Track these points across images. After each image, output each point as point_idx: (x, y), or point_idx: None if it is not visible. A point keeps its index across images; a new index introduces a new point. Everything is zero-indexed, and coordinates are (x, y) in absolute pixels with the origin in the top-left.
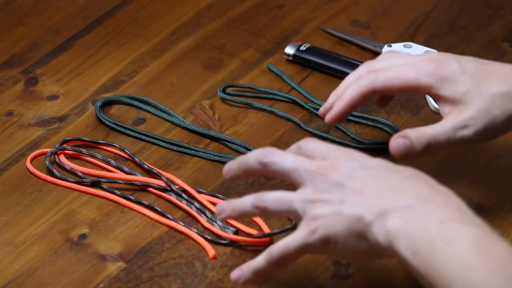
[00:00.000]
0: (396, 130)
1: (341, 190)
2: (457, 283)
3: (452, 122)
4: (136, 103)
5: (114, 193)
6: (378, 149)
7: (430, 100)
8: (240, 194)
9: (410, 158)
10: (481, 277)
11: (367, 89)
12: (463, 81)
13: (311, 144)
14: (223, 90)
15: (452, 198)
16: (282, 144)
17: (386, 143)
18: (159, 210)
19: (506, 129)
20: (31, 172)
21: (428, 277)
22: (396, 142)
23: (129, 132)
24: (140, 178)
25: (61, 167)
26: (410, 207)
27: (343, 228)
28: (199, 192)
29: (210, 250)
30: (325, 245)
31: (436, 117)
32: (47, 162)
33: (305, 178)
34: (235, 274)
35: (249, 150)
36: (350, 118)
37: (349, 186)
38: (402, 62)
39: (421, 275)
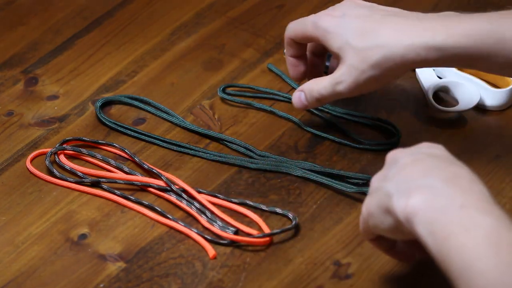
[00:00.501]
0: (396, 130)
1: (394, 167)
2: (469, 271)
3: (331, 78)
4: (136, 103)
5: (114, 193)
6: (378, 149)
7: (431, 100)
8: (240, 194)
9: (306, 108)
10: (493, 269)
11: (286, 35)
12: (341, 35)
13: None
14: (223, 90)
15: (477, 185)
16: (282, 144)
17: (386, 143)
18: (159, 210)
19: (383, 81)
20: (31, 172)
21: (442, 260)
22: (294, 96)
23: (129, 132)
24: (140, 178)
25: (61, 167)
26: (434, 188)
27: (375, 203)
28: (199, 192)
29: (210, 250)
30: (370, 217)
31: (435, 117)
32: (47, 162)
33: None
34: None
35: (249, 150)
36: (350, 118)
37: (399, 164)
38: (322, 13)
39: (436, 257)
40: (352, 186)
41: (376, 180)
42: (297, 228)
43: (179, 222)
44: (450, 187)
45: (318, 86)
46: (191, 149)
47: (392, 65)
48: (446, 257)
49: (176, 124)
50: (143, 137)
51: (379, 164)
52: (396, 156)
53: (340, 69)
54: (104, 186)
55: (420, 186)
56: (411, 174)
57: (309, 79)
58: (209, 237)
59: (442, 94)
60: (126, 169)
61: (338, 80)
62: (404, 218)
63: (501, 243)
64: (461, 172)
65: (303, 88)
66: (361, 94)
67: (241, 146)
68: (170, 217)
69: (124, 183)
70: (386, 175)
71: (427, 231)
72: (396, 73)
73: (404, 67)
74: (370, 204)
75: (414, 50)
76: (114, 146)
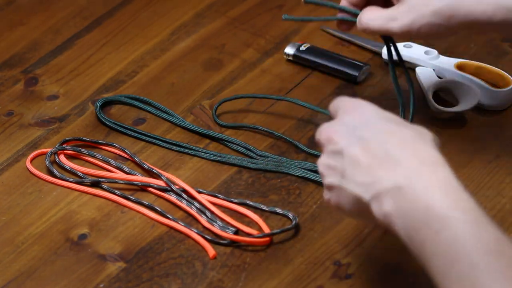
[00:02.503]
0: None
1: (341, 159)
2: (449, 275)
3: (387, 12)
4: (136, 103)
5: (114, 193)
6: None
7: (431, 100)
8: (240, 194)
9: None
10: (471, 269)
11: None
12: None
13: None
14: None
15: (440, 171)
16: (282, 144)
17: None
18: (159, 210)
19: (437, 33)
20: (31, 172)
21: (426, 265)
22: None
23: (129, 132)
24: (140, 178)
25: (61, 167)
26: (400, 189)
27: (348, 203)
28: (199, 192)
29: (210, 250)
30: (340, 210)
31: (437, 117)
32: (47, 162)
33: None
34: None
35: (249, 150)
36: None
37: (348, 156)
38: None
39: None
40: None
41: (328, 173)
42: (297, 228)
43: (179, 222)
44: (413, 182)
45: (369, 16)
46: (191, 149)
47: (454, 18)
48: (427, 262)
49: (176, 124)
50: (143, 137)
51: None
52: (333, 139)
53: (399, 6)
54: (104, 186)
55: (388, 190)
56: (368, 167)
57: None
58: (209, 237)
59: (442, 94)
60: (126, 169)
61: (394, 16)
62: (386, 223)
63: (473, 238)
64: (405, 135)
65: (360, 14)
66: (407, 39)
67: (241, 146)
68: (170, 217)
69: (124, 183)
70: (338, 169)
71: (406, 237)
72: (454, 29)
73: (465, 24)
74: (338, 201)
75: (481, 6)
76: (114, 146)
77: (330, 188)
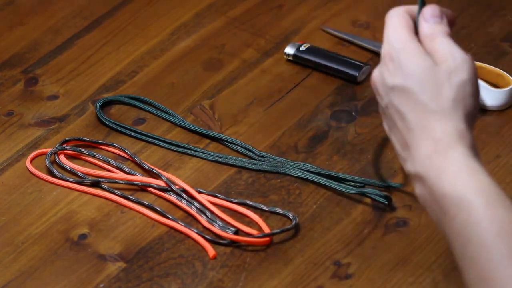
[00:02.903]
0: None
1: (387, 112)
2: (464, 257)
3: None
4: (136, 103)
5: (114, 193)
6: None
7: None
8: (240, 194)
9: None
10: (482, 250)
11: None
12: None
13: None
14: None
15: (454, 151)
16: (282, 144)
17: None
18: (159, 210)
19: None
20: (31, 172)
21: (450, 248)
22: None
23: (129, 132)
24: (140, 178)
25: (61, 167)
26: (420, 178)
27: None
28: (199, 192)
29: (210, 250)
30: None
31: None
32: (47, 162)
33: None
34: None
35: (249, 150)
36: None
37: (389, 114)
38: None
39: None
40: (351, 187)
41: (383, 118)
42: (297, 228)
43: (179, 222)
44: (433, 166)
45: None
46: (191, 149)
47: None
48: (448, 238)
49: (176, 124)
50: (143, 137)
51: None
52: (377, 92)
53: None
54: (104, 186)
55: (411, 172)
56: (402, 138)
57: None
58: (209, 237)
59: None
60: (126, 169)
61: None
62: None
63: (489, 220)
64: (428, 97)
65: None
66: None
67: (241, 146)
68: (170, 217)
69: (124, 183)
70: (388, 119)
71: (432, 218)
72: None
73: None
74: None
75: None
76: (114, 146)
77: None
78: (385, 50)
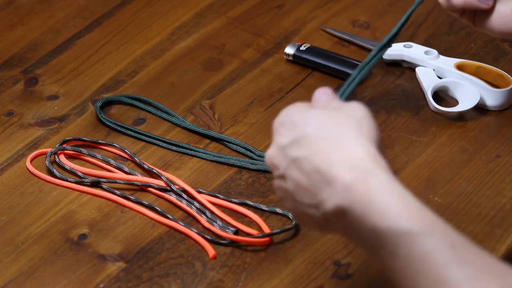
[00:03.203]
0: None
1: (287, 183)
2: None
3: None
4: (136, 103)
5: (114, 193)
6: None
7: (431, 100)
8: (240, 194)
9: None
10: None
11: None
12: None
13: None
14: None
15: (371, 177)
16: None
17: None
18: (159, 210)
19: None
20: (31, 172)
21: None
22: None
23: (129, 132)
24: (140, 178)
25: (61, 167)
26: (343, 211)
27: (313, 222)
28: (199, 192)
29: (210, 250)
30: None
31: (436, 117)
32: (47, 162)
33: None
34: None
35: (249, 150)
36: None
37: (290, 180)
38: None
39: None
40: None
41: (284, 197)
42: (297, 228)
43: (179, 222)
44: (345, 191)
45: None
46: (191, 149)
47: None
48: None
49: (176, 124)
50: (143, 137)
51: None
52: (274, 165)
53: None
54: (104, 186)
55: (330, 210)
56: (310, 188)
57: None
58: (209, 237)
59: (442, 94)
60: (126, 169)
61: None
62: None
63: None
64: (330, 134)
65: None
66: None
67: (241, 147)
68: (170, 217)
69: (124, 183)
70: (290, 192)
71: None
72: None
73: None
74: (304, 222)
75: None
76: (114, 146)
77: (292, 211)
78: (274, 125)
